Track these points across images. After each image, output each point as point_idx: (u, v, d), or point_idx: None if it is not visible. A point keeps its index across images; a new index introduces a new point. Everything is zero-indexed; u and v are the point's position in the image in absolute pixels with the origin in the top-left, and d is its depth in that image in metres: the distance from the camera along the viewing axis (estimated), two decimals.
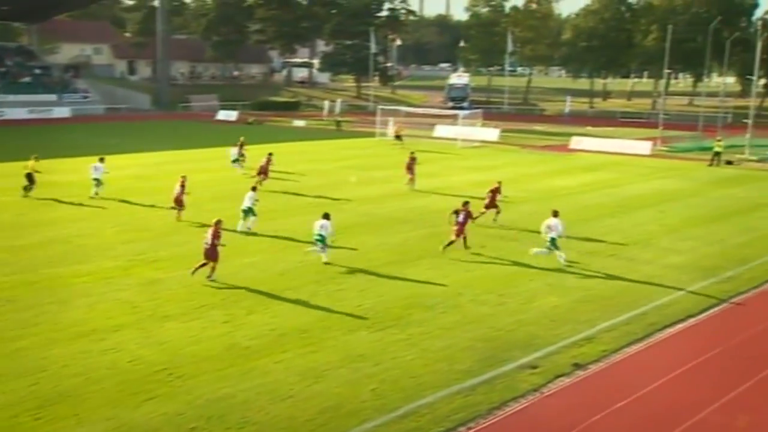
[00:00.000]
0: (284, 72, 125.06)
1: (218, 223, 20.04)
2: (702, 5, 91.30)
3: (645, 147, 53.97)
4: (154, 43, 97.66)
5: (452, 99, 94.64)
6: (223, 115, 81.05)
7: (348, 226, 25.63)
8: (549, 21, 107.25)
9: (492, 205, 27.37)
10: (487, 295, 19.15)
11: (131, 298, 18.49)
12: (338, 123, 70.23)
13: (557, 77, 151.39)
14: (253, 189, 26.03)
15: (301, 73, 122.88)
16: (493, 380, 14.11)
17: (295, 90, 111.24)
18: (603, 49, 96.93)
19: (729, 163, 47.40)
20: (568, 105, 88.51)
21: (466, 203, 23.46)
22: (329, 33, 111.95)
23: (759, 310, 18.69)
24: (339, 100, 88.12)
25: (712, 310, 18.47)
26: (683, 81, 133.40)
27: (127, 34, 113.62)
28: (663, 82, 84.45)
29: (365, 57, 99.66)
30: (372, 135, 60.08)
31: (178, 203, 27.19)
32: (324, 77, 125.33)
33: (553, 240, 21.82)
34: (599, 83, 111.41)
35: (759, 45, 54.08)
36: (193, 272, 19.77)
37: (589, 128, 70.10)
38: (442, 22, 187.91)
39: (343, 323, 16.89)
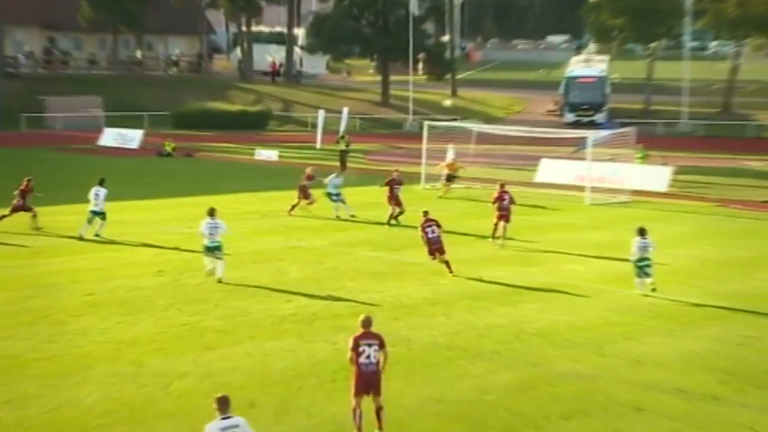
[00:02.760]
0: (237, 53, 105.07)
1: None
2: None
3: None
4: None
5: (573, 106, 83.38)
6: (112, 138, 69.41)
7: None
8: None
9: None
10: None
11: None
12: (344, 155, 57.81)
13: None
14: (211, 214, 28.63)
15: (270, 57, 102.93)
16: None
17: (259, 89, 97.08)
18: None
19: None
20: None
21: None
22: None
23: None
24: (346, 110, 72.84)
25: None
26: None
27: None
28: None
29: (398, 26, 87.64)
30: (415, 180, 49.89)
31: None
32: (318, 64, 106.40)
33: None
34: None
35: None
36: None
37: None
38: None
39: None
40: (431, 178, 50.47)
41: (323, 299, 26.48)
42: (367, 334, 17.41)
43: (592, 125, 64.60)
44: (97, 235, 35.33)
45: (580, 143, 50.97)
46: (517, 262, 33.33)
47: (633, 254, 27.56)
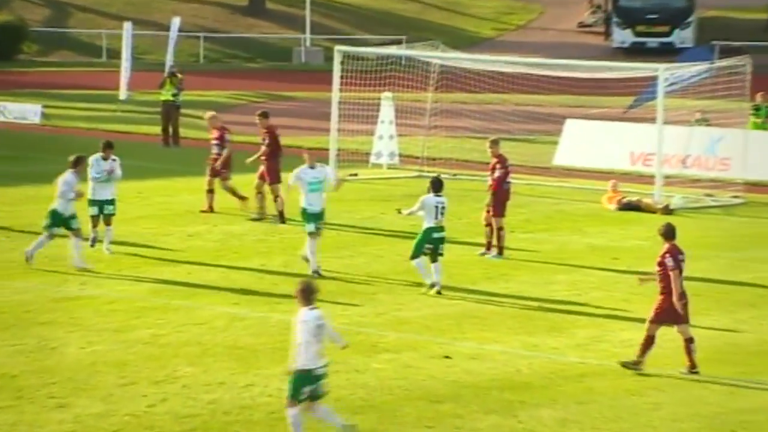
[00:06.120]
0: None
1: None
2: None
3: None
4: None
5: (629, 17, 71.01)
6: None
7: None
8: None
9: None
10: None
11: None
12: (170, 111, 46.87)
13: None
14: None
15: None
16: None
17: None
18: None
19: None
20: None
21: None
22: None
23: None
24: (177, 23, 57.68)
25: None
26: None
27: None
28: None
29: None
30: (322, 161, 43.46)
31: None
32: None
33: None
34: None
35: None
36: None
37: None
38: None
39: None
40: (350, 158, 40.65)
41: (133, 402, 19.67)
42: None
43: (667, 53, 54.56)
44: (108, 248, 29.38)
45: (643, 90, 41.08)
46: (514, 327, 25.31)
47: (426, 220, 25.44)
